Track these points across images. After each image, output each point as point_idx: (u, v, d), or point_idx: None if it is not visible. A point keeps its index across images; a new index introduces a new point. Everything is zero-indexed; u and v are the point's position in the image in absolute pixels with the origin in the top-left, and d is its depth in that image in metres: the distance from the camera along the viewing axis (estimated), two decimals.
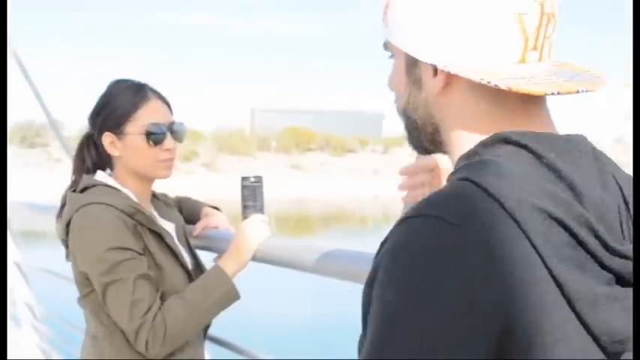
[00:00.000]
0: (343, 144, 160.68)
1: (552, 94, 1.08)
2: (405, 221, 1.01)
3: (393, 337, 0.94)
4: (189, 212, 2.80)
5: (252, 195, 2.49)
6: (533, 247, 0.96)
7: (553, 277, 0.96)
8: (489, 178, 1.00)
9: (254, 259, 2.44)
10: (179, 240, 2.58)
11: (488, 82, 1.06)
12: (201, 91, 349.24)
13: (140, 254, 2.28)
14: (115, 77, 2.49)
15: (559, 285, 0.96)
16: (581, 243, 0.98)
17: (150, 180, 2.51)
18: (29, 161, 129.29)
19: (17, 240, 4.64)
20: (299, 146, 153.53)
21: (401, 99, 1.24)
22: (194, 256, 2.64)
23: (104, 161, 2.51)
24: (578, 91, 1.09)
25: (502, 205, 0.97)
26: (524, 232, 0.96)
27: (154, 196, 2.66)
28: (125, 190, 2.43)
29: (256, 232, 2.44)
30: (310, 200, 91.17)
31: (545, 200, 0.98)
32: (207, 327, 2.63)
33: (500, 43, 1.09)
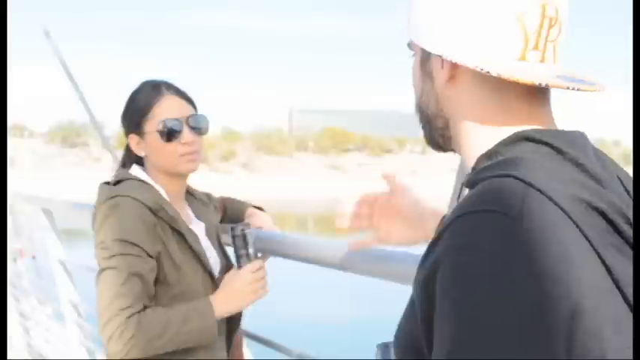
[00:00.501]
0: (381, 144, 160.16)
1: (540, 84, 1.12)
2: (460, 219, 1.03)
3: (473, 334, 0.95)
4: (233, 212, 2.81)
5: (243, 243, 2.47)
6: (583, 234, 0.99)
7: (602, 261, 0.99)
8: (529, 173, 1.03)
9: (302, 259, 2.46)
10: (210, 240, 2.60)
11: (481, 69, 1.12)
12: (240, 92, 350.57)
13: (149, 256, 2.29)
14: (153, 76, 2.51)
15: (608, 269, 0.99)
16: (617, 230, 1.02)
17: (178, 176, 2.51)
18: (70, 161, 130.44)
19: (61, 238, 4.70)
20: (337, 147, 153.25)
21: (416, 94, 1.30)
22: (226, 257, 2.64)
23: (141, 162, 2.54)
24: (568, 88, 1.14)
25: (550, 198, 1.00)
26: (573, 221, 0.99)
27: (191, 194, 2.67)
28: (157, 186, 2.45)
29: (245, 286, 2.42)
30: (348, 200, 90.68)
31: (582, 191, 1.02)
32: (236, 328, 2.63)
33: (501, 39, 1.15)
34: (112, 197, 2.34)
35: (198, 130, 2.47)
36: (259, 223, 2.71)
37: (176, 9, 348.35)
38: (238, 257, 2.48)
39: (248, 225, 2.52)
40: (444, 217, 1.69)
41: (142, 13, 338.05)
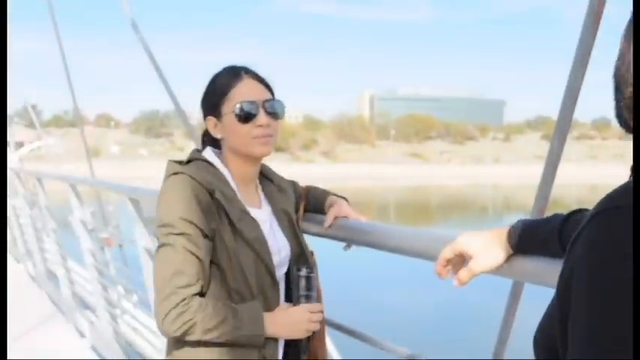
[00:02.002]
0: (463, 132, 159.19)
1: None
2: (601, 214, 0.95)
3: (607, 336, 0.89)
4: (316, 200, 2.82)
5: (307, 285, 2.50)
6: None
7: None
8: None
9: (387, 249, 2.44)
10: (281, 226, 2.59)
11: None
12: (321, 80, 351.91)
13: (205, 236, 2.30)
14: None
15: None
16: None
17: (251, 159, 2.52)
18: (154, 150, 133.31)
19: (147, 227, 4.77)
20: (418, 134, 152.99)
21: (619, 57, 1.13)
22: (299, 244, 2.63)
23: (218, 145, 2.57)
24: None
25: None
26: None
27: (269, 179, 2.69)
28: (222, 169, 2.49)
29: (300, 322, 2.45)
30: (430, 188, 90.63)
31: None
32: None
33: None
34: (172, 174, 2.38)
35: (274, 114, 2.49)
36: (343, 212, 2.71)
37: None
38: (299, 297, 2.50)
39: (313, 268, 2.54)
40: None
41: (227, 3, 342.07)
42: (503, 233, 1.73)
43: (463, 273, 1.79)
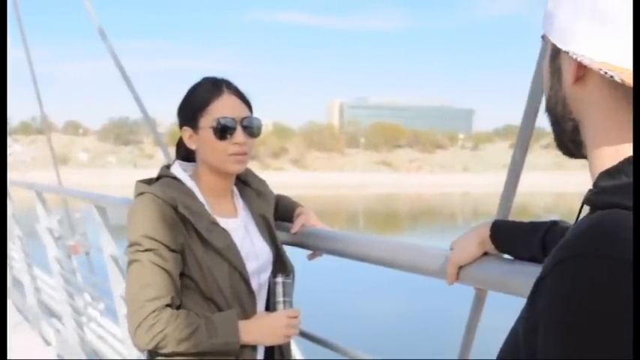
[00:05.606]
0: (432, 140, 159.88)
1: None
2: (569, 261, 0.91)
3: None
4: (284, 209, 2.83)
5: (284, 291, 2.54)
6: None
7: None
8: None
9: (354, 257, 2.46)
10: (260, 231, 2.60)
11: (605, 73, 0.98)
12: (291, 88, 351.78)
13: (171, 250, 2.32)
14: (206, 74, 2.53)
15: None
16: None
17: (224, 174, 2.53)
18: (123, 158, 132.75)
19: (114, 235, 4.75)
20: (388, 142, 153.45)
21: (545, 93, 1.17)
22: (277, 248, 2.64)
23: (190, 155, 2.57)
24: None
25: None
26: None
27: (247, 185, 2.69)
28: (190, 183, 2.49)
29: (279, 327, 2.47)
30: (399, 196, 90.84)
31: None
32: None
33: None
34: (139, 195, 2.40)
35: (251, 131, 2.49)
36: (311, 222, 2.72)
37: (227, 8, 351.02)
38: (276, 303, 2.53)
39: (289, 276, 2.57)
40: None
41: (199, 12, 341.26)
42: (485, 229, 1.77)
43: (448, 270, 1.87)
